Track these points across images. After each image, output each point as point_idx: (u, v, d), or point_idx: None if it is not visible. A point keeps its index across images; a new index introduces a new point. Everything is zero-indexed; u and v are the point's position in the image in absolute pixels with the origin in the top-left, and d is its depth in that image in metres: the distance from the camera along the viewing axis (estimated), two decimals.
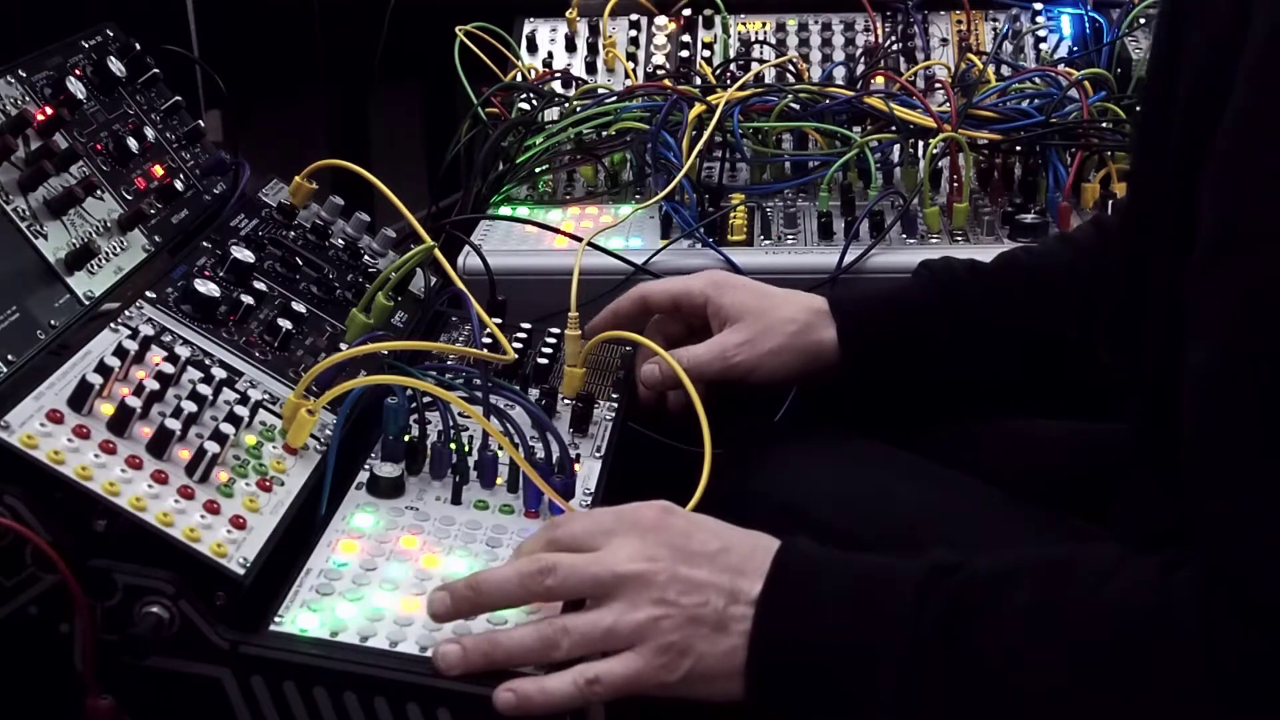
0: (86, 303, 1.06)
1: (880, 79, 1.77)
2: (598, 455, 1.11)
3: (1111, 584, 0.79)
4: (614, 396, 1.20)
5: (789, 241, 1.49)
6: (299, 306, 1.17)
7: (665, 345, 1.19)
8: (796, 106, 1.62)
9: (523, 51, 1.93)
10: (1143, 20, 1.83)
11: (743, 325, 1.20)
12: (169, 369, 0.99)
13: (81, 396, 0.92)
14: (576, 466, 1.05)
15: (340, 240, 1.31)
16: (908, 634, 0.81)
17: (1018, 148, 1.56)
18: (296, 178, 1.31)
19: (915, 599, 0.82)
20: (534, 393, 1.16)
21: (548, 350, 1.22)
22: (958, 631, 0.80)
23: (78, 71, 1.22)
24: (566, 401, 1.16)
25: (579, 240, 1.37)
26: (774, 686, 0.85)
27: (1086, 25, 1.87)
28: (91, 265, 1.08)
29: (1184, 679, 0.74)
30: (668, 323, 1.27)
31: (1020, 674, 0.79)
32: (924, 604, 0.81)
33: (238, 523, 0.92)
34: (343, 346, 1.16)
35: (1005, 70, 1.83)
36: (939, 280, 1.22)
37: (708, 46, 1.95)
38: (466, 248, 1.42)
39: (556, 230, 1.46)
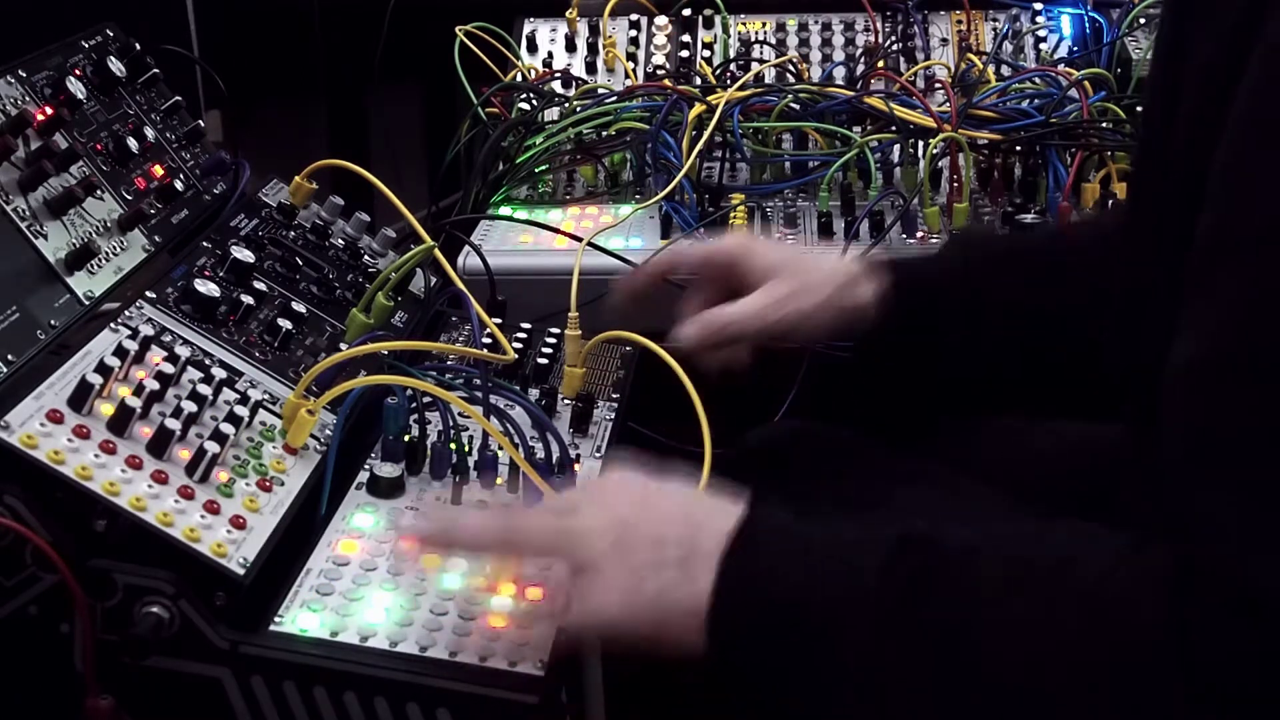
0: (86, 303, 1.06)
1: (880, 79, 1.77)
2: (598, 455, 1.11)
3: (1079, 565, 0.78)
4: (614, 396, 1.20)
5: (789, 241, 1.49)
6: (299, 306, 1.17)
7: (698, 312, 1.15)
8: (796, 106, 1.62)
9: (523, 51, 1.93)
10: (1143, 20, 1.83)
11: (784, 279, 1.14)
12: (169, 369, 0.99)
13: (81, 396, 0.92)
14: (576, 466, 1.05)
15: (340, 240, 1.31)
16: (871, 602, 0.80)
17: (1018, 148, 1.56)
18: (296, 178, 1.31)
19: (881, 567, 0.81)
20: (534, 393, 1.16)
21: (548, 350, 1.22)
22: (921, 604, 0.79)
23: (78, 71, 1.22)
24: (566, 401, 1.16)
25: (579, 240, 1.37)
26: (734, 641, 0.84)
27: (1086, 25, 1.87)
28: (91, 265, 1.08)
29: (1149, 668, 0.73)
30: (699, 289, 1.21)
31: (981, 651, 0.78)
32: (889, 573, 0.81)
33: (238, 523, 0.92)
34: (343, 346, 1.16)
35: (1005, 70, 1.83)
36: (976, 246, 1.19)
37: (708, 46, 1.95)
38: (466, 248, 1.42)
39: (556, 230, 1.46)
